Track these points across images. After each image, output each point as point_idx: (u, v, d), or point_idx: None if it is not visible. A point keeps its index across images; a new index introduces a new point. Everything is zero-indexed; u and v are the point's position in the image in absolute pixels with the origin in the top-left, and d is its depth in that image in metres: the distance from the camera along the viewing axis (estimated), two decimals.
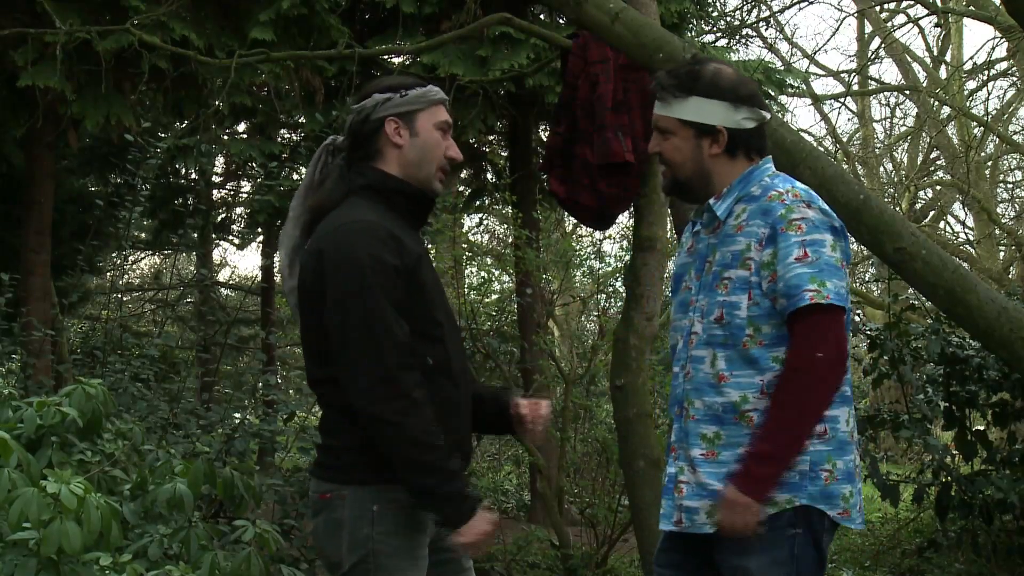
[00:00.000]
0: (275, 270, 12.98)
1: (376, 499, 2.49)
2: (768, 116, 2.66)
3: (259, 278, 14.94)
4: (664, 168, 2.68)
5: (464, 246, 11.88)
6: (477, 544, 2.49)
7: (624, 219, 10.73)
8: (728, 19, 12.83)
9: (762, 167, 2.63)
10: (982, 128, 16.27)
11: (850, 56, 23.99)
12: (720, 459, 2.51)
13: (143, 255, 18.14)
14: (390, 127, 2.63)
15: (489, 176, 11.59)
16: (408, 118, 2.63)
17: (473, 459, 10.45)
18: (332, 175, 2.67)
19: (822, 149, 13.92)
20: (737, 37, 13.32)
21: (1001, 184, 20.31)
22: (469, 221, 17.40)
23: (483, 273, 9.66)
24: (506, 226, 16.88)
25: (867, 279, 18.39)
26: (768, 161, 2.66)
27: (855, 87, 18.98)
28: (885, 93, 20.65)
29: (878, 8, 17.33)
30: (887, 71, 48.24)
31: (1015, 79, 17.84)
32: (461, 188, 12.29)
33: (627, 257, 5.61)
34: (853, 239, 3.69)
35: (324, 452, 2.62)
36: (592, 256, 9.35)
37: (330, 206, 2.61)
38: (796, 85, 12.77)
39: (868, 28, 19.63)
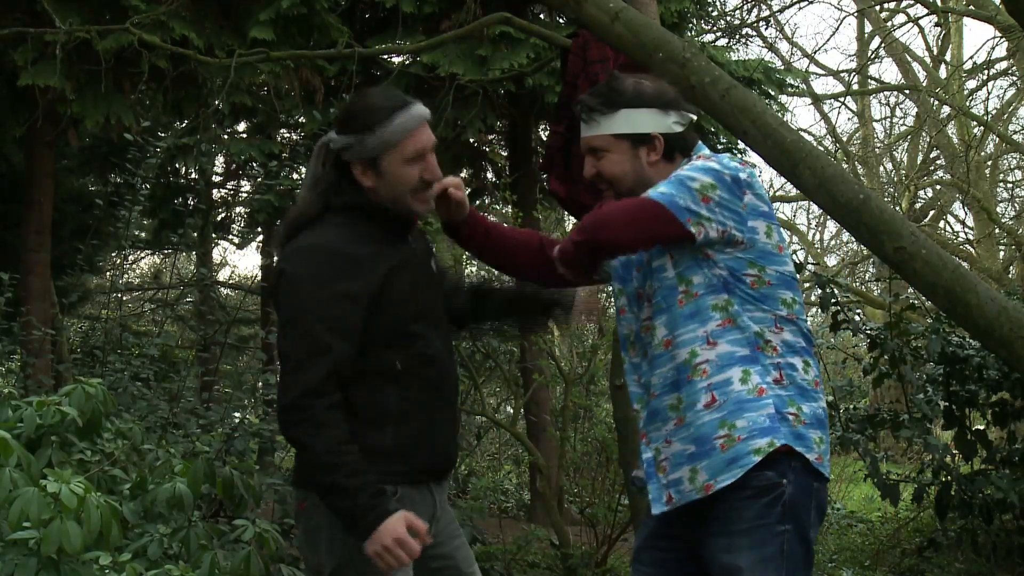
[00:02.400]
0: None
1: None
2: (695, 117, 2.68)
3: (259, 277, 14.95)
4: (605, 188, 2.68)
5: None
6: (386, 556, 2.41)
7: None
8: (728, 18, 12.82)
9: (693, 156, 2.65)
10: (982, 127, 16.27)
11: (850, 56, 24.01)
12: (687, 421, 2.53)
13: (143, 254, 18.13)
14: (357, 171, 2.58)
15: (489, 175, 11.59)
16: (373, 163, 2.56)
17: (473, 459, 10.47)
18: (320, 184, 2.62)
19: (822, 149, 13.93)
20: (737, 36, 13.31)
21: (1001, 183, 20.32)
22: None
23: (483, 272, 9.65)
24: (506, 225, 16.87)
25: (867, 278, 18.40)
26: (700, 148, 2.67)
27: (855, 87, 18.98)
28: (885, 93, 20.67)
29: (878, 8, 17.33)
30: (887, 71, 48.26)
31: (1015, 78, 17.84)
32: None
33: None
34: (853, 238, 3.70)
35: (297, 460, 2.64)
36: None
37: (304, 222, 2.58)
38: (796, 84, 12.79)
39: (868, 28, 19.64)
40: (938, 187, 20.34)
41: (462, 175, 11.75)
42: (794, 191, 17.27)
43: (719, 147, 10.15)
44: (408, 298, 2.57)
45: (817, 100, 19.78)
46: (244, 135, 11.64)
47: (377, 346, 2.52)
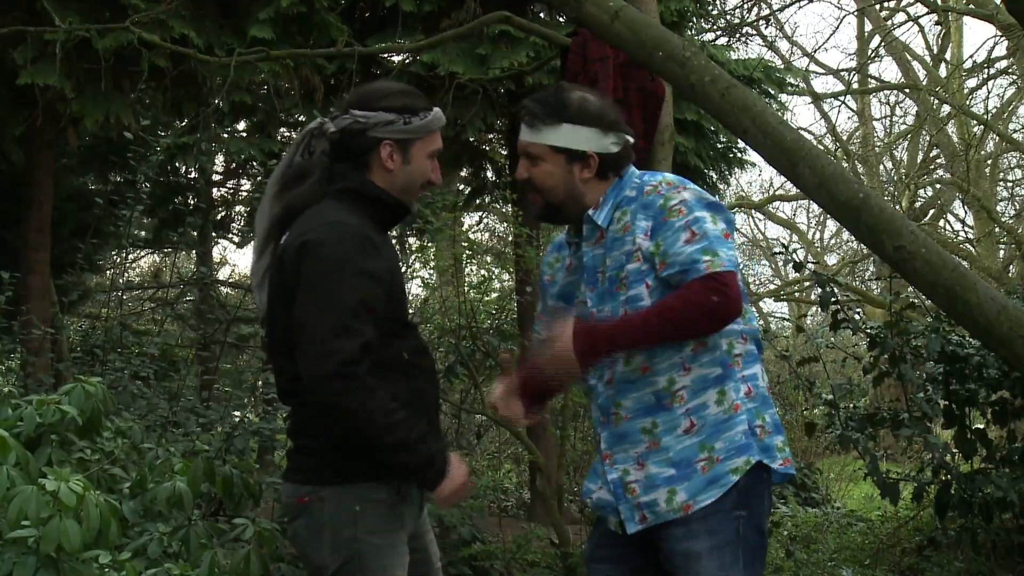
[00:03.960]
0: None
1: (357, 499, 2.50)
2: (632, 140, 2.72)
3: None
4: (534, 194, 2.73)
5: (464, 244, 11.88)
6: (456, 496, 2.53)
7: None
8: (728, 17, 12.83)
9: (628, 172, 2.71)
10: (982, 126, 16.27)
11: (850, 54, 24.05)
12: (663, 445, 2.58)
13: (143, 253, 18.12)
14: (385, 151, 2.62)
15: (489, 174, 11.58)
16: (404, 145, 2.63)
17: (473, 458, 10.47)
18: (314, 174, 2.63)
19: (822, 147, 13.94)
20: (737, 35, 13.31)
21: (1001, 182, 20.33)
22: (469, 219, 17.42)
23: (483, 271, 9.66)
24: (506, 224, 16.88)
25: (867, 278, 18.40)
26: (631, 170, 2.73)
27: (855, 85, 18.99)
28: (885, 91, 20.69)
29: (878, 6, 17.33)
30: (887, 69, 48.29)
31: (1015, 77, 17.83)
32: (461, 187, 12.29)
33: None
34: (853, 237, 3.71)
35: (299, 455, 2.62)
36: None
37: (303, 207, 2.60)
38: (796, 83, 12.79)
39: (868, 26, 19.66)
40: (938, 186, 20.34)
41: (462, 174, 11.75)
42: (794, 190, 17.26)
43: (719, 146, 10.15)
44: (404, 290, 2.64)
45: (817, 99, 19.79)
46: (244, 134, 11.63)
47: (387, 336, 2.54)
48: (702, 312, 2.46)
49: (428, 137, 2.65)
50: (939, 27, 18.00)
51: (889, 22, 18.81)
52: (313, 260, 2.48)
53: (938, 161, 19.61)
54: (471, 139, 9.89)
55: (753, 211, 22.97)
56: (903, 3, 17.73)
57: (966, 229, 20.52)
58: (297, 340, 2.47)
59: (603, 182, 2.69)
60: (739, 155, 10.47)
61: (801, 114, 55.80)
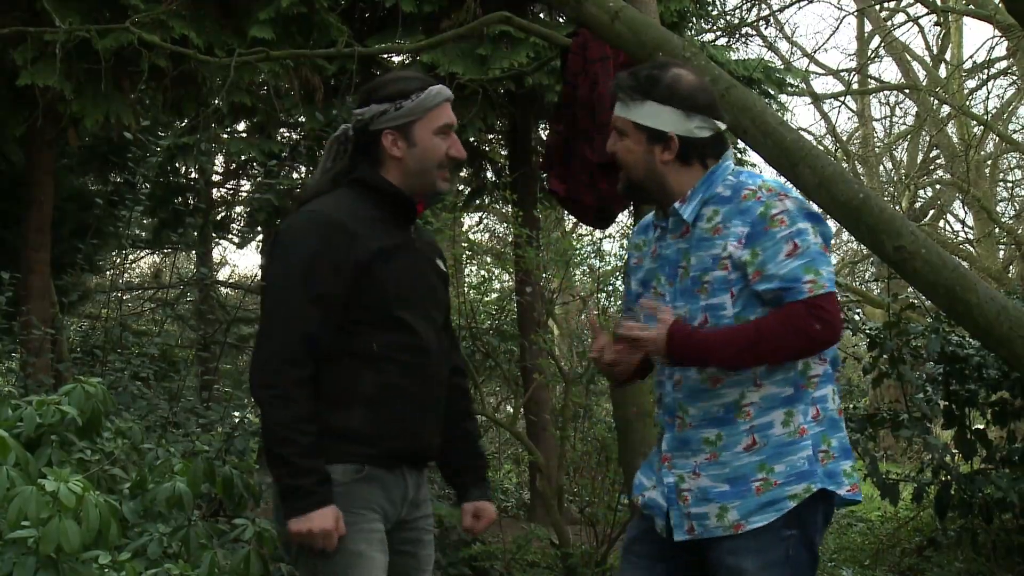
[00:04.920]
0: None
1: None
2: (724, 126, 2.63)
3: (259, 277, 14.93)
4: (621, 170, 2.67)
5: (464, 245, 11.88)
6: (306, 539, 2.47)
7: (624, 218, 10.74)
8: (728, 18, 12.84)
9: (722, 166, 2.61)
10: (982, 127, 16.26)
11: (850, 55, 24.06)
12: (721, 459, 2.51)
13: (143, 254, 18.11)
14: (387, 140, 2.64)
15: (489, 175, 11.59)
16: (405, 130, 2.64)
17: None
18: (328, 174, 2.71)
19: (822, 148, 13.92)
20: (737, 36, 13.31)
21: (1001, 183, 20.33)
22: (469, 220, 17.44)
23: (483, 272, 9.67)
24: (506, 225, 16.88)
25: (867, 278, 18.41)
26: (727, 158, 2.63)
27: (855, 86, 18.99)
28: (885, 92, 20.69)
29: (878, 7, 17.34)
30: (887, 70, 48.31)
31: (1015, 78, 17.84)
32: (461, 187, 12.29)
33: (627, 256, 5.59)
34: (853, 238, 3.70)
35: None
36: (592, 255, 9.35)
37: (312, 197, 2.67)
38: (796, 84, 12.79)
39: (868, 27, 19.66)
40: (938, 186, 20.35)
41: (462, 174, 11.75)
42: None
43: None
44: (395, 282, 2.59)
45: (817, 99, 19.80)
46: (244, 134, 11.63)
47: (360, 325, 2.56)
48: (804, 339, 2.42)
49: (429, 115, 2.65)
50: (939, 27, 18.01)
51: (889, 22, 18.83)
52: (275, 250, 2.59)
53: (938, 161, 19.62)
54: (471, 139, 9.89)
55: None
56: (903, 3, 17.75)
57: (966, 229, 20.54)
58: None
59: (688, 169, 2.59)
60: (739, 155, 10.47)
61: (801, 114, 55.86)
